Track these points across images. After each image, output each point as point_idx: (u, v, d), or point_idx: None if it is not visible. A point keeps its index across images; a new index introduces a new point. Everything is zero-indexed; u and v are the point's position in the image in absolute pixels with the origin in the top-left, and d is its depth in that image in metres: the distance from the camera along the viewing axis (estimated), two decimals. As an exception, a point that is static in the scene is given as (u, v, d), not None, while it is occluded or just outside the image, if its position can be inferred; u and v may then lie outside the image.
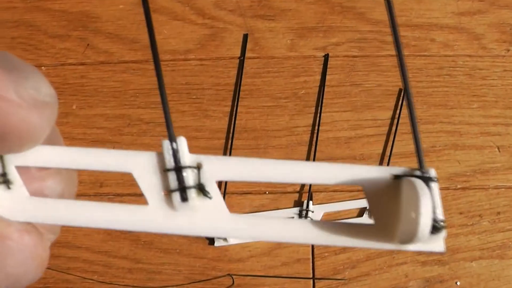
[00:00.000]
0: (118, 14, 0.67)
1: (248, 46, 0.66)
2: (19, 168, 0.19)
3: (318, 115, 0.64)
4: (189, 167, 0.18)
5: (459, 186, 0.63)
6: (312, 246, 0.62)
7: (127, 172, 0.18)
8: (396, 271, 0.61)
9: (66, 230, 0.63)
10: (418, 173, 0.18)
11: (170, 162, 0.18)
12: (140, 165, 0.18)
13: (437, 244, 0.18)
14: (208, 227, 0.18)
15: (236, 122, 0.64)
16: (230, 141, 0.64)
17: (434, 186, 0.18)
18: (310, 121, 0.64)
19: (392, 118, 0.64)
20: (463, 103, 0.64)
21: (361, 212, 0.63)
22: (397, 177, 0.18)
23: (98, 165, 0.18)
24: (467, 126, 0.64)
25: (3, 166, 0.19)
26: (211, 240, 0.62)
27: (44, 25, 0.68)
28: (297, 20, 0.66)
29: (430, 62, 0.65)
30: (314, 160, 0.63)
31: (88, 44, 0.67)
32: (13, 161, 0.19)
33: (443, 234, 0.17)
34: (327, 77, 0.65)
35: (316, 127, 0.64)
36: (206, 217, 0.18)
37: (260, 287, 0.62)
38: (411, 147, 0.64)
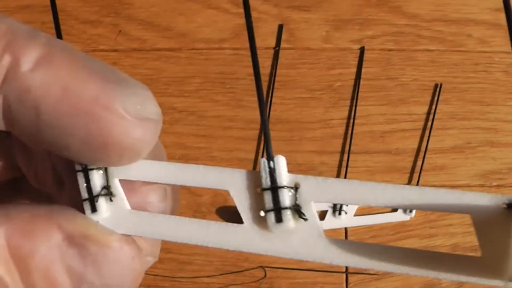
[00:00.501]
0: (152, 1, 0.67)
1: (283, 36, 0.66)
2: (123, 182, 0.20)
3: (353, 108, 0.64)
4: (286, 187, 0.17)
5: (494, 184, 0.63)
6: (346, 238, 0.62)
7: (225, 190, 0.18)
8: (428, 267, 0.61)
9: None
10: None
11: (266, 182, 0.17)
12: (237, 183, 0.18)
13: None
14: (302, 251, 0.18)
15: (271, 113, 0.64)
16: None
17: None
18: (345, 114, 0.64)
19: (428, 113, 0.64)
20: (499, 100, 0.65)
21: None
22: (510, 207, 0.16)
23: (196, 181, 0.19)
24: (503, 123, 0.64)
25: (107, 179, 0.19)
26: (242, 232, 0.62)
27: (76, 10, 0.68)
28: (332, 12, 0.66)
29: (466, 57, 0.65)
30: (349, 153, 0.63)
31: (120, 31, 0.67)
32: (116, 174, 0.19)
33: None
34: (363, 70, 0.65)
35: (351, 120, 0.64)
36: (301, 240, 0.18)
37: (292, 280, 0.62)
38: (446, 143, 0.64)
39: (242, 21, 0.67)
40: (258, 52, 0.63)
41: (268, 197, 0.17)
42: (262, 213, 0.18)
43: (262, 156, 0.63)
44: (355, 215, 0.62)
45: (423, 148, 0.63)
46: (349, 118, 0.64)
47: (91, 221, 0.19)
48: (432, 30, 0.66)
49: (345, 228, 0.62)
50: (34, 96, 0.17)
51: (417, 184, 0.62)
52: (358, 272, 0.61)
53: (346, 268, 0.62)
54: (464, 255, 0.17)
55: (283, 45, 0.66)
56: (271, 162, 0.17)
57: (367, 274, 0.61)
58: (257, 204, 0.18)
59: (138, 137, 0.17)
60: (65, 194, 0.22)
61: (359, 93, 0.64)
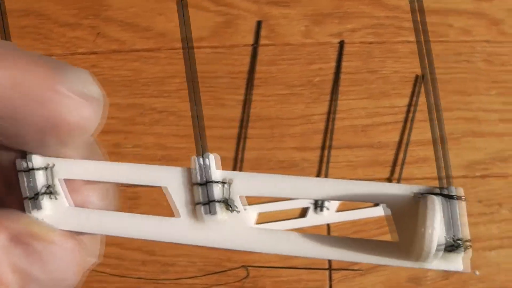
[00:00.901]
0: (130, 2, 0.67)
1: (263, 33, 0.65)
2: (65, 182, 0.21)
3: (334, 102, 0.64)
4: (216, 182, 0.19)
5: (477, 174, 0.62)
6: (329, 236, 0.62)
7: (161, 186, 0.19)
8: (415, 261, 0.61)
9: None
10: (438, 190, 0.18)
11: (198, 177, 0.19)
12: (172, 180, 0.19)
13: (462, 263, 0.18)
14: (233, 241, 0.19)
15: (251, 110, 0.64)
16: (244, 130, 0.63)
17: (456, 204, 0.18)
18: (326, 109, 0.64)
19: (409, 105, 0.64)
20: (481, 90, 0.64)
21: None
22: (419, 195, 0.18)
23: (134, 179, 0.20)
24: (486, 113, 0.64)
25: (51, 178, 0.21)
26: (225, 231, 0.62)
27: (54, 13, 0.68)
28: (312, 6, 0.66)
29: (447, 48, 0.65)
30: (330, 149, 0.62)
31: (99, 33, 0.67)
32: (58, 174, 0.21)
33: (468, 254, 0.17)
34: (343, 64, 0.64)
35: (332, 115, 0.63)
36: (232, 230, 0.19)
37: (275, 278, 0.61)
38: (429, 135, 0.63)
39: (222, 19, 0.66)
40: (238, 49, 0.63)
41: (200, 191, 0.19)
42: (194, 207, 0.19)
43: (242, 153, 0.63)
44: (337, 210, 0.62)
45: (405, 141, 0.63)
46: (330, 113, 0.64)
47: (34, 219, 0.20)
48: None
49: (328, 224, 0.62)
50: None
51: (400, 178, 0.62)
52: (342, 269, 0.61)
53: (330, 265, 0.61)
54: (385, 241, 0.19)
55: (262, 41, 0.66)
56: (202, 159, 0.19)
57: (351, 270, 0.61)
58: (191, 198, 0.19)
59: (84, 114, 0.19)
60: (14, 196, 0.22)
61: (340, 88, 0.64)
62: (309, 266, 0.61)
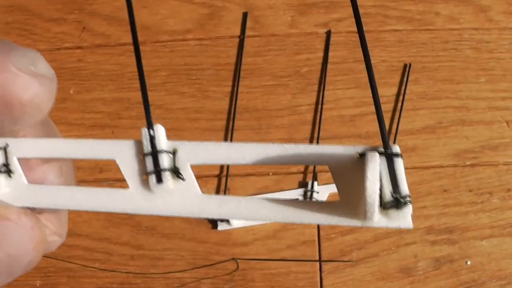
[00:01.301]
0: (114, -5, 0.67)
1: (248, 24, 0.65)
2: (21, 161, 0.21)
3: (321, 93, 0.63)
4: (165, 151, 0.19)
5: (467, 163, 0.62)
6: (318, 227, 0.62)
7: (111, 159, 0.20)
8: (405, 251, 0.61)
9: (66, 218, 0.63)
10: (380, 149, 0.19)
11: (147, 148, 0.19)
12: (122, 152, 0.20)
13: (404, 220, 0.18)
14: (182, 208, 0.20)
15: (237, 102, 0.63)
16: (231, 122, 0.63)
17: (398, 162, 0.18)
18: (313, 100, 0.64)
19: (398, 94, 0.63)
20: (470, 78, 0.64)
21: (367, 192, 0.62)
22: (361, 155, 0.18)
23: (86, 154, 0.20)
24: (475, 101, 0.63)
25: (6, 157, 0.21)
26: (214, 224, 0.62)
27: (39, 8, 0.68)
28: (297, -3, 0.65)
29: (435, 36, 0.64)
30: (318, 139, 0.62)
31: (84, 27, 0.67)
32: (14, 153, 0.21)
33: (408, 209, 0.18)
34: (330, 54, 0.64)
35: (320, 106, 0.63)
36: (180, 198, 0.20)
37: (265, 271, 0.61)
38: (417, 124, 0.63)
39: (206, 10, 0.66)
40: (223, 41, 0.63)
41: (149, 161, 0.19)
42: (144, 178, 0.20)
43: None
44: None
45: (393, 130, 0.62)
46: (317, 103, 0.64)
47: None
48: (399, 9, 0.65)
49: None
50: None
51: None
52: (332, 260, 0.61)
53: (320, 256, 0.61)
54: (332, 202, 0.19)
55: (248, 32, 0.65)
56: (151, 130, 0.19)
57: (341, 262, 0.61)
58: (140, 169, 0.20)
59: (35, 92, 0.19)
60: None
61: (327, 78, 0.64)
62: (298, 258, 0.61)
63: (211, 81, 0.65)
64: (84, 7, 0.68)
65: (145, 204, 0.20)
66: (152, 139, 0.19)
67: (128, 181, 0.20)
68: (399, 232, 0.61)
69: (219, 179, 0.63)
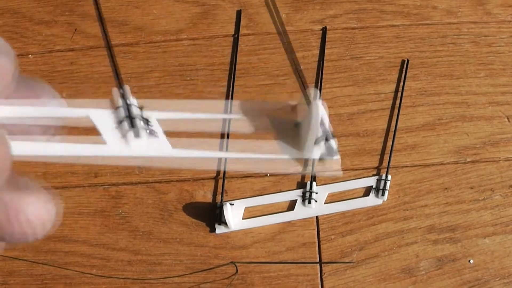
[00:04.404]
0: (105, -4, 0.66)
1: (242, 22, 0.65)
2: None
3: (318, 91, 0.63)
4: (134, 105, 0.21)
5: (468, 160, 0.62)
6: (318, 229, 0.61)
7: (85, 117, 0.21)
8: (406, 251, 0.60)
9: (62, 224, 0.63)
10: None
11: (119, 102, 0.21)
12: (96, 109, 0.21)
13: (331, 151, 0.23)
14: (152, 153, 0.22)
15: (233, 102, 0.63)
16: (227, 123, 0.63)
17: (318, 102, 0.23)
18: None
19: (396, 91, 0.63)
20: (470, 73, 0.63)
21: (367, 191, 0.62)
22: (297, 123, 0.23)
23: (62, 114, 0.21)
24: (475, 96, 0.63)
25: None
26: (212, 228, 0.61)
27: (29, 11, 0.67)
28: (292, -6, 0.65)
29: (433, 30, 0.64)
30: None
31: (76, 29, 0.66)
32: None
33: (333, 142, 0.22)
34: (326, 51, 0.64)
35: (317, 104, 0.63)
36: (151, 146, 0.22)
37: (264, 274, 0.61)
38: (417, 121, 0.63)
39: (199, 9, 0.66)
40: (217, 40, 0.62)
41: (121, 112, 0.21)
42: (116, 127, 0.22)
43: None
44: (326, 202, 0.62)
45: (392, 128, 0.62)
46: (314, 102, 0.63)
47: None
48: (396, 4, 0.65)
49: (316, 217, 0.61)
50: None
51: (388, 166, 0.61)
52: (332, 262, 0.61)
53: (320, 258, 0.61)
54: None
55: (242, 31, 0.65)
56: (121, 89, 0.21)
57: (341, 263, 0.60)
58: (114, 121, 0.21)
59: None
60: None
61: (324, 75, 0.64)
62: (298, 260, 0.61)
63: (205, 82, 0.64)
64: (75, 8, 0.67)
65: (120, 150, 0.21)
66: (122, 95, 0.21)
67: (103, 134, 0.21)
68: (400, 231, 0.61)
69: (216, 182, 0.62)
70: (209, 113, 0.23)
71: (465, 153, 0.62)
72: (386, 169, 0.62)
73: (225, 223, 0.61)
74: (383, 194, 0.61)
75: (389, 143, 0.62)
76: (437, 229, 0.61)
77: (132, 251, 0.62)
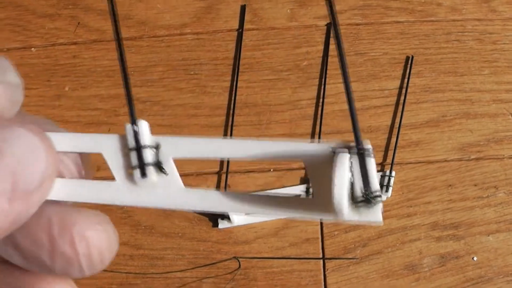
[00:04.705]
0: (109, -10, 0.66)
1: (246, 17, 0.65)
2: None
3: (322, 87, 0.63)
4: (148, 146, 0.20)
5: (472, 157, 0.62)
6: (321, 224, 0.61)
7: (98, 153, 0.21)
8: (410, 248, 0.60)
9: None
10: (352, 145, 0.19)
11: (131, 143, 0.20)
12: (108, 146, 0.21)
13: (374, 215, 0.19)
14: (165, 201, 0.21)
15: (237, 97, 0.63)
16: (230, 118, 0.63)
17: (369, 160, 0.19)
18: (314, 94, 0.63)
19: (400, 87, 0.63)
20: (474, 70, 0.63)
21: (370, 187, 0.61)
22: (334, 151, 0.19)
23: (74, 147, 0.21)
24: (479, 93, 0.63)
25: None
26: (214, 223, 0.61)
27: (32, 4, 0.67)
28: (297, -11, 0.65)
29: (437, 27, 0.64)
30: (320, 134, 0.62)
31: (79, 23, 0.66)
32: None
33: (378, 206, 0.19)
34: (330, 47, 0.64)
35: (321, 100, 0.63)
36: (164, 191, 0.21)
37: (267, 269, 0.61)
38: (421, 117, 0.63)
39: (203, 4, 0.66)
40: (221, 35, 0.62)
41: (133, 156, 0.20)
42: (129, 171, 0.21)
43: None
44: (329, 198, 0.61)
45: (396, 124, 0.62)
46: (318, 97, 0.63)
47: None
48: (401, 1, 0.65)
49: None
50: None
51: (392, 162, 0.61)
52: (335, 258, 0.60)
53: (323, 254, 0.61)
54: (304, 198, 0.22)
55: (246, 26, 0.65)
56: (135, 126, 0.20)
57: (345, 259, 0.60)
58: (126, 163, 0.21)
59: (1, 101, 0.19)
60: None
61: (328, 71, 0.63)
62: (301, 255, 0.61)
63: (209, 76, 0.64)
64: (78, 2, 0.67)
65: (131, 196, 0.21)
66: (135, 134, 0.20)
67: (114, 174, 0.21)
68: (403, 228, 0.61)
69: (219, 176, 0.62)
70: (223, 151, 0.21)
71: (469, 150, 0.62)
72: (390, 166, 0.62)
73: (228, 218, 0.60)
74: (387, 191, 0.61)
75: (393, 140, 0.62)
76: (440, 226, 0.61)
77: (134, 246, 0.62)
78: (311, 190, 0.62)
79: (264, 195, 0.20)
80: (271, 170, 0.62)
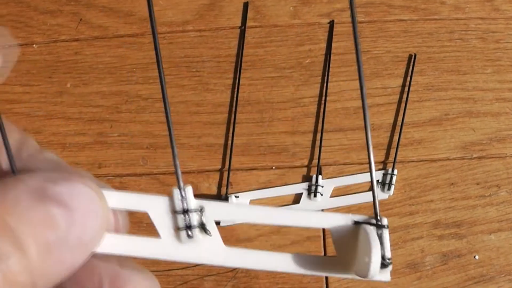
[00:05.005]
0: (112, -14, 0.66)
1: (249, 15, 0.65)
2: None
3: (325, 84, 0.63)
4: (194, 210, 0.22)
5: (474, 156, 0.62)
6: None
7: (145, 212, 0.22)
8: (412, 246, 0.60)
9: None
10: (373, 221, 0.23)
11: (179, 206, 0.22)
12: (155, 207, 0.23)
13: (385, 275, 0.23)
14: (208, 258, 0.23)
15: (239, 95, 0.63)
16: (233, 115, 0.63)
17: (385, 232, 0.23)
18: (317, 92, 0.63)
19: (403, 85, 0.63)
20: (477, 68, 0.63)
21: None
22: (356, 222, 0.23)
23: (123, 204, 0.23)
24: (482, 92, 0.63)
25: None
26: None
27: (34, 1, 0.67)
28: (299, -13, 0.65)
29: (440, 26, 0.64)
30: (322, 132, 0.62)
31: (81, 19, 0.66)
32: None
33: (390, 268, 0.22)
34: (333, 44, 0.64)
35: (323, 98, 0.63)
36: (207, 250, 0.23)
37: (269, 267, 0.60)
38: (423, 116, 0.63)
39: (206, 1, 0.66)
40: (223, 32, 0.62)
41: (180, 218, 0.22)
42: (175, 230, 0.23)
43: (232, 141, 0.62)
44: (331, 196, 0.61)
45: (399, 123, 0.62)
46: (321, 95, 0.63)
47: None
48: (404, -1, 0.65)
49: (322, 210, 0.61)
50: None
51: (395, 161, 0.61)
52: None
53: (325, 252, 0.61)
54: (325, 257, 0.24)
55: (249, 23, 0.65)
56: (182, 191, 0.22)
57: (346, 257, 0.60)
58: (172, 223, 0.23)
59: None
60: None
61: (330, 69, 0.63)
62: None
63: (211, 74, 0.64)
64: (81, -2, 0.67)
65: (176, 252, 0.23)
66: (182, 199, 0.22)
67: (160, 232, 0.23)
68: (406, 226, 0.61)
69: (221, 174, 0.62)
70: (259, 217, 0.23)
71: (471, 148, 0.62)
72: (392, 164, 0.62)
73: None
74: (389, 189, 0.61)
75: (396, 138, 0.62)
76: (442, 224, 0.61)
77: (135, 243, 0.62)
78: (313, 188, 0.62)
79: (295, 255, 0.23)
80: (273, 168, 0.62)
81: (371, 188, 0.22)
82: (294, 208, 0.22)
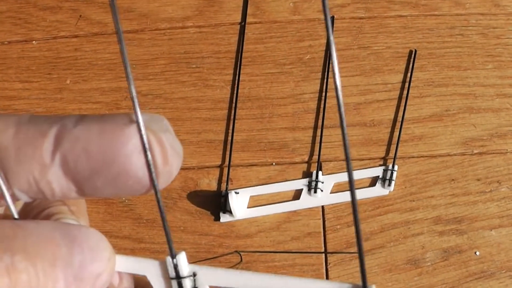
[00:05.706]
0: (111, -18, 0.66)
1: (249, 10, 0.65)
2: None
3: (325, 80, 0.63)
4: (187, 277, 0.23)
5: (475, 151, 0.62)
6: (323, 219, 0.61)
7: (143, 275, 0.24)
8: (412, 242, 0.60)
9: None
10: None
11: (172, 273, 0.24)
12: (152, 271, 0.24)
13: None
14: None
15: (239, 91, 0.63)
16: (233, 111, 0.63)
17: None
18: (317, 87, 0.63)
19: (403, 81, 0.63)
20: (477, 64, 0.63)
21: (373, 182, 0.62)
22: None
23: (122, 268, 0.24)
24: (482, 87, 0.63)
25: None
26: (216, 216, 0.61)
27: (34, -3, 0.67)
28: (299, -17, 0.65)
29: (441, 21, 0.64)
30: (322, 128, 0.62)
31: (80, 16, 0.66)
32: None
33: None
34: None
35: (324, 94, 0.63)
36: None
37: (269, 263, 0.61)
38: (424, 112, 0.63)
39: (206, -3, 0.66)
40: (223, 28, 0.62)
41: (174, 284, 0.24)
42: None
43: (232, 139, 0.62)
44: (332, 192, 0.62)
45: (399, 118, 0.62)
46: (321, 91, 0.63)
47: None
48: (404, -5, 0.65)
49: (322, 206, 0.61)
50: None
51: (395, 157, 0.61)
52: (337, 252, 0.60)
53: (325, 248, 0.61)
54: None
55: (249, 19, 0.65)
56: (174, 260, 0.23)
57: (347, 253, 0.60)
58: (169, 286, 0.24)
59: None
60: None
61: (330, 65, 0.63)
62: (303, 250, 0.61)
63: (211, 70, 0.64)
64: (80, -6, 0.67)
65: None
66: (175, 266, 0.23)
67: None
68: (406, 222, 0.61)
69: (221, 170, 0.62)
70: (255, 285, 0.24)
71: (472, 144, 0.62)
72: (392, 160, 0.62)
73: (230, 212, 0.60)
74: (389, 185, 0.61)
75: (396, 134, 0.62)
76: (443, 220, 0.61)
77: (136, 239, 0.62)
78: (313, 184, 0.62)
79: (309, 279, 0.23)
80: (273, 163, 0.62)
81: (357, 248, 0.22)
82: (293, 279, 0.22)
